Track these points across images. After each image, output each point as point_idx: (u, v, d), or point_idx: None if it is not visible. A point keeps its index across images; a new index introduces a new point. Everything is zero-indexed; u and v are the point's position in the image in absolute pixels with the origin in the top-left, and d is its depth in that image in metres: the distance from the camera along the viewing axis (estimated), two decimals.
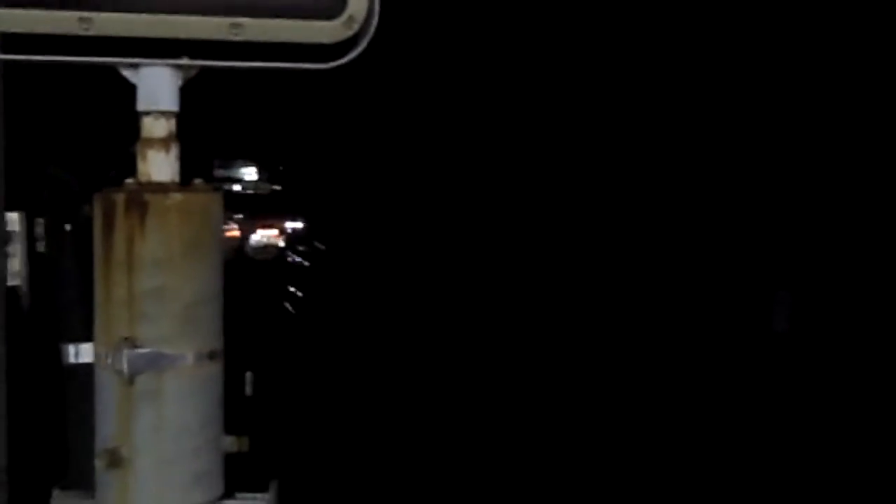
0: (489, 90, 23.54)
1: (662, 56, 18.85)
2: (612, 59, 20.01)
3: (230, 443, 2.46)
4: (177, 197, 2.39)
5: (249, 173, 53.99)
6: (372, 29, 2.47)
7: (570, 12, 19.89)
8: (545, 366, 15.18)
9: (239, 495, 2.46)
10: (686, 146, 19.15)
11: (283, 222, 38.30)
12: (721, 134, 18.40)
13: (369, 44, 2.50)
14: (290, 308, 23.52)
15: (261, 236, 34.42)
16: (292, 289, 26.04)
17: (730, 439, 11.27)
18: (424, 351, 17.17)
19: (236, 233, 32.94)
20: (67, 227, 2.64)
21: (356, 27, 2.47)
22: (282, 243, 36.07)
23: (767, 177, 17.60)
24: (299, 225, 38.53)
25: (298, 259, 33.77)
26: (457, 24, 22.38)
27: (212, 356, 2.40)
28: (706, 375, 13.97)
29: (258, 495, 2.48)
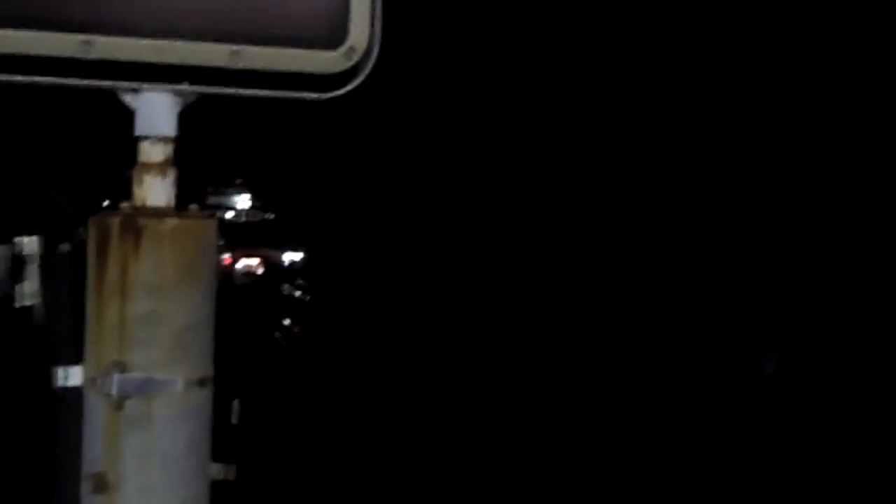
0: (489, 116, 23.60)
1: (664, 85, 18.88)
2: (615, 79, 20.03)
3: (217, 470, 2.45)
4: (172, 222, 2.38)
5: (242, 201, 54.00)
6: (372, 60, 2.48)
7: (559, 34, 19.95)
8: (534, 409, 15.13)
9: None
10: (677, 189, 19.18)
11: (272, 251, 38.34)
12: (710, 177, 18.44)
13: (368, 74, 2.51)
14: (282, 341, 23.43)
15: (243, 264, 35.35)
16: (287, 322, 25.94)
17: (718, 483, 11.24)
18: (420, 383, 17.14)
19: (228, 260, 32.95)
20: (62, 249, 2.63)
21: (356, 58, 2.47)
22: (261, 270, 36.71)
23: (756, 221, 17.62)
24: (297, 256, 38.48)
25: (298, 293, 33.68)
26: (458, 51, 22.46)
27: (202, 383, 2.39)
28: (694, 419, 13.94)
29: None
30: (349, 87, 2.50)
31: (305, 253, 39.11)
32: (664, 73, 19.02)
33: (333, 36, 2.46)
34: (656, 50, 19.00)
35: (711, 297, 18.00)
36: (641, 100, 19.74)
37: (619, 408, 14.67)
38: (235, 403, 2.63)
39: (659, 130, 19.48)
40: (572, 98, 21.41)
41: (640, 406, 14.69)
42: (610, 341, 18.34)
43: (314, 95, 2.50)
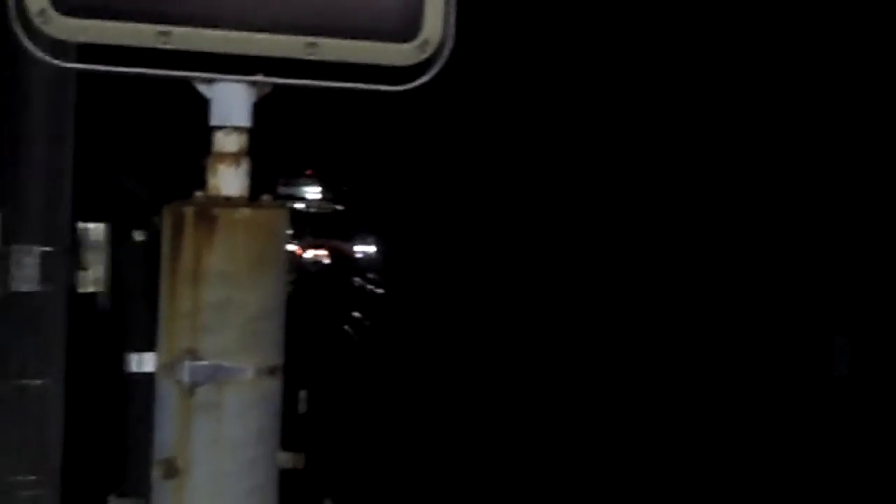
0: (564, 104, 23.49)
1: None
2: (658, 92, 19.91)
3: (286, 459, 2.47)
4: (245, 212, 2.40)
5: (313, 192, 54.26)
6: (446, 53, 2.48)
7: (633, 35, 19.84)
8: (610, 410, 15.03)
9: None
10: (746, 190, 18.98)
11: (342, 243, 38.68)
12: (779, 179, 18.24)
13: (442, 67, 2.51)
14: (352, 334, 23.46)
15: (311, 254, 36.39)
16: (357, 314, 25.96)
17: (791, 483, 11.14)
18: (487, 378, 17.14)
19: (298, 251, 33.18)
20: (137, 237, 2.67)
21: (430, 51, 2.48)
22: (328, 260, 37.48)
23: (826, 223, 17.42)
24: (369, 249, 38.66)
25: (370, 286, 33.77)
26: (531, 39, 22.40)
27: (272, 371, 2.41)
28: (768, 419, 13.81)
29: None
30: (423, 80, 2.50)
31: (377, 246, 39.25)
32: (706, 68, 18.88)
33: (408, 29, 2.47)
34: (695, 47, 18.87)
35: (783, 300, 17.81)
36: (689, 96, 19.61)
37: (693, 410, 14.57)
38: (303, 393, 2.65)
39: (716, 126, 19.32)
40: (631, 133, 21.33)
41: (714, 406, 14.57)
42: (687, 341, 18.19)
43: (388, 88, 2.51)
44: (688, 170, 20.39)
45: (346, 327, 24.03)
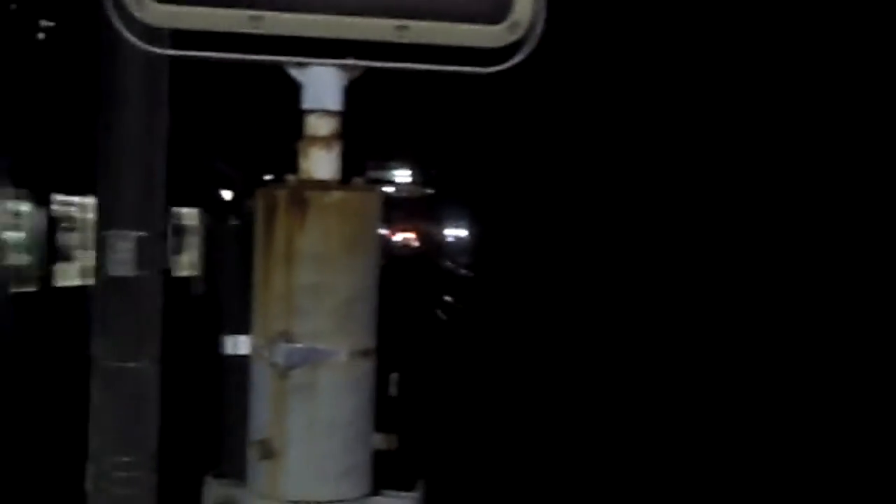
0: (657, 88, 23.27)
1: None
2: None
3: (379, 440, 2.48)
4: (337, 195, 2.42)
5: (402, 175, 54.44)
6: (536, 36, 2.47)
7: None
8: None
9: (386, 493, 2.48)
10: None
11: (433, 227, 38.81)
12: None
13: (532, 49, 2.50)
14: (443, 317, 23.49)
15: (401, 237, 36.97)
16: (449, 298, 25.97)
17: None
18: (580, 357, 17.09)
19: (388, 234, 33.36)
20: (231, 221, 2.69)
21: (520, 33, 2.47)
22: (416, 243, 37.86)
23: None
24: (461, 233, 38.73)
25: (463, 271, 33.83)
26: (626, 23, 22.23)
27: (365, 354, 2.42)
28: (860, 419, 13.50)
29: (406, 494, 2.49)
30: (513, 62, 2.50)
31: (469, 230, 39.31)
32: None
33: (498, 10, 2.46)
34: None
35: (865, 299, 17.50)
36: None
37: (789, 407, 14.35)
38: (394, 376, 2.66)
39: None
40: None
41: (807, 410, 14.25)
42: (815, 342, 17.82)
43: (478, 70, 2.50)
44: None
45: (437, 311, 24.07)
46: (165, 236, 5.10)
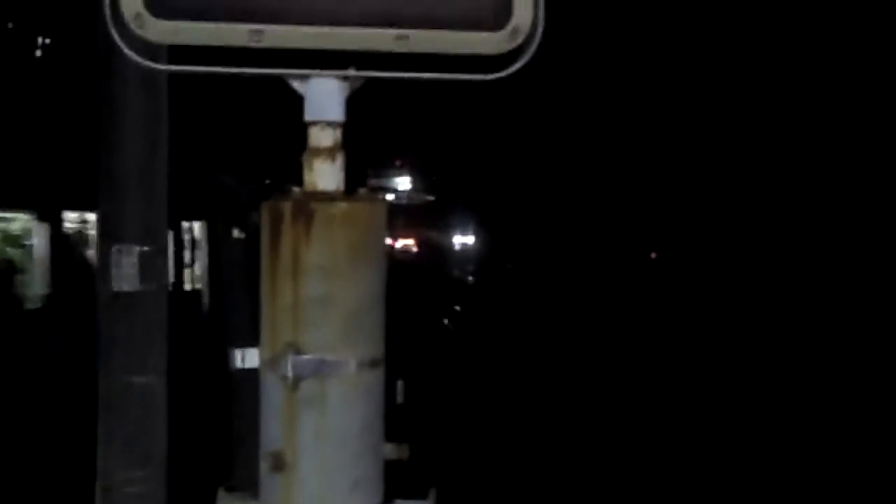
0: (657, 89, 23.24)
1: None
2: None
3: (390, 450, 2.48)
4: (342, 206, 2.42)
5: (403, 182, 54.41)
6: (536, 41, 2.47)
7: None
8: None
9: (398, 502, 2.48)
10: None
11: (439, 234, 38.94)
12: None
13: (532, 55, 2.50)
14: (450, 328, 23.38)
15: (401, 244, 37.48)
16: (457, 308, 25.82)
17: None
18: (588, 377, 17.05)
19: (390, 242, 33.46)
20: (236, 234, 2.70)
21: (520, 39, 2.47)
22: (415, 249, 38.29)
23: None
24: (468, 240, 38.79)
25: (470, 278, 33.78)
26: (624, 24, 22.22)
27: (374, 364, 2.42)
28: None
29: (417, 502, 2.49)
30: (514, 68, 2.50)
31: (476, 236, 39.38)
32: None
33: (498, 17, 2.46)
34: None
35: None
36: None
37: None
38: (399, 384, 2.65)
39: None
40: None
41: None
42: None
43: (479, 77, 2.50)
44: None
45: (445, 321, 24.00)
46: (167, 250, 5.11)
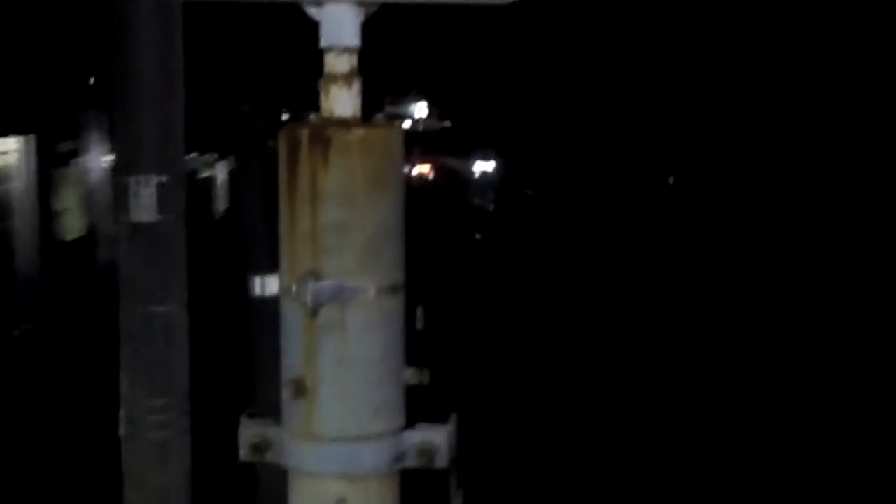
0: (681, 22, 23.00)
1: None
2: None
3: (411, 375, 2.49)
4: (359, 132, 2.41)
5: (419, 110, 54.24)
6: None
7: None
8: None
9: (420, 426, 2.49)
10: None
11: (457, 161, 38.77)
12: None
13: None
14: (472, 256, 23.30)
15: (416, 171, 37.43)
16: (478, 236, 25.81)
17: None
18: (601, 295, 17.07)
19: (408, 169, 33.39)
20: (255, 163, 2.69)
21: None
22: (431, 175, 38.30)
23: None
24: (489, 166, 38.61)
25: (491, 206, 33.72)
26: None
27: (393, 290, 2.43)
28: None
29: (439, 426, 2.50)
30: None
31: (498, 162, 39.22)
32: None
33: None
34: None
35: None
36: None
37: None
38: (419, 310, 2.65)
39: None
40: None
41: None
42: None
43: (495, 1, 2.48)
44: None
45: (464, 250, 23.97)
46: (184, 180, 5.10)
